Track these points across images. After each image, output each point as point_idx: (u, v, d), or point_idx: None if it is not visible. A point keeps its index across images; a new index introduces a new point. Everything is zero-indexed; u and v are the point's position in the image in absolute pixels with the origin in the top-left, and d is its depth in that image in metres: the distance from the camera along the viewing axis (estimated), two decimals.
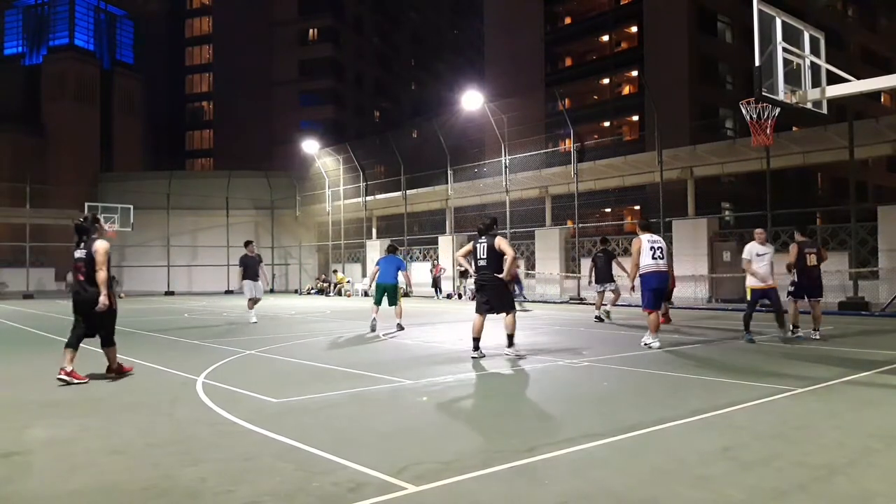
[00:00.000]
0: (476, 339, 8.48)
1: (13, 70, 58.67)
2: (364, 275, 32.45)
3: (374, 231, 33.64)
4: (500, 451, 4.21)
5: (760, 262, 9.88)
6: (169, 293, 32.44)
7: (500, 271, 8.27)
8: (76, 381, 6.82)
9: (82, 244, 7.20)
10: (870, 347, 9.37)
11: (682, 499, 3.39)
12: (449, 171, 28.38)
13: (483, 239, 8.46)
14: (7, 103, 54.53)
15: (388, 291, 12.61)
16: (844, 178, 27.75)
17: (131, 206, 30.06)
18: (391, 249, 13.47)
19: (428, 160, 31.00)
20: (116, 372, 7.25)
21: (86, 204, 29.49)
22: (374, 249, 32.64)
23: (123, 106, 60.68)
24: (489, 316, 8.56)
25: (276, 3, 62.54)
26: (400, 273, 12.73)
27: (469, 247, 8.76)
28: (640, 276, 9.29)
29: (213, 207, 35.58)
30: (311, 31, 63.09)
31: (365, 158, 33.03)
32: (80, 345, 7.05)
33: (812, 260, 10.31)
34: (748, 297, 10.09)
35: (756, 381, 6.64)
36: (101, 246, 7.13)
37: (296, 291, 34.67)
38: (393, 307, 12.59)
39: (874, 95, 41.32)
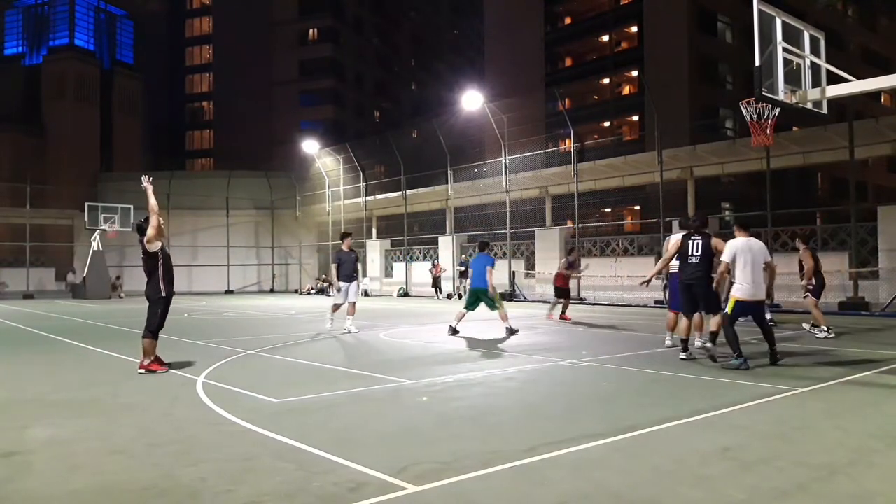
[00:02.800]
0: (685, 341, 8.20)
1: (13, 70, 58.62)
2: (364, 274, 32.49)
3: (374, 231, 33.64)
4: (500, 451, 4.21)
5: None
6: None
7: (711, 271, 7.97)
8: (155, 369, 7.49)
9: (141, 243, 7.76)
10: (870, 347, 9.37)
11: (682, 499, 3.39)
12: (449, 171, 28.38)
13: (697, 236, 8.02)
14: (7, 103, 54.47)
15: (482, 297, 11.22)
16: (844, 178, 27.78)
17: (131, 206, 29.99)
18: (482, 247, 12.01)
19: (428, 160, 30.99)
20: (145, 365, 7.58)
21: (86, 204, 29.47)
22: (374, 249, 32.66)
23: (123, 106, 60.63)
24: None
25: (276, 3, 62.50)
26: (487, 269, 11.25)
27: (678, 241, 8.24)
28: (670, 275, 9.07)
29: (213, 207, 35.59)
30: (311, 31, 63.06)
31: (365, 158, 33.04)
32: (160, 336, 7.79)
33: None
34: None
35: (756, 381, 6.64)
36: (148, 232, 7.67)
37: (296, 291, 34.69)
38: (496, 312, 11.37)
39: (874, 95, 41.30)
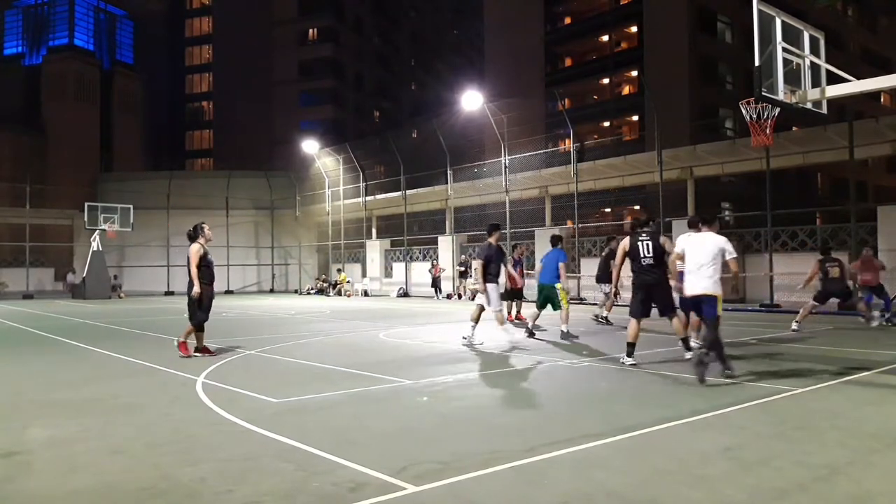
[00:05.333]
0: (631, 345, 7.72)
1: (13, 70, 58.61)
2: (364, 275, 32.49)
3: (374, 231, 33.64)
4: (500, 451, 4.21)
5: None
6: (169, 293, 32.43)
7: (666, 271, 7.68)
8: (182, 352, 8.75)
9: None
10: (870, 347, 9.37)
11: (682, 499, 3.39)
12: (449, 171, 28.37)
13: (645, 236, 7.75)
14: (7, 103, 54.46)
15: (548, 294, 10.53)
16: (844, 178, 27.79)
17: (131, 206, 30.03)
18: (554, 241, 11.08)
19: (428, 160, 30.99)
20: (202, 352, 8.92)
21: (85, 204, 29.46)
22: (374, 249, 32.65)
23: (123, 106, 60.61)
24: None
25: (276, 3, 62.50)
26: (560, 265, 10.49)
27: (626, 244, 7.91)
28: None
29: (213, 207, 35.55)
30: (311, 31, 63.05)
31: (365, 158, 33.03)
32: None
33: (834, 272, 11.67)
34: (720, 311, 7.00)
35: (756, 381, 6.64)
36: (190, 249, 8.79)
37: (296, 291, 34.69)
38: (557, 312, 10.61)
39: (874, 95, 41.33)
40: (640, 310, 7.77)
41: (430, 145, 31.08)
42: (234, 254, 35.87)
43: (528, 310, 13.74)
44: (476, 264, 10.26)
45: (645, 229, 7.90)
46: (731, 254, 6.92)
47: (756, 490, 3.47)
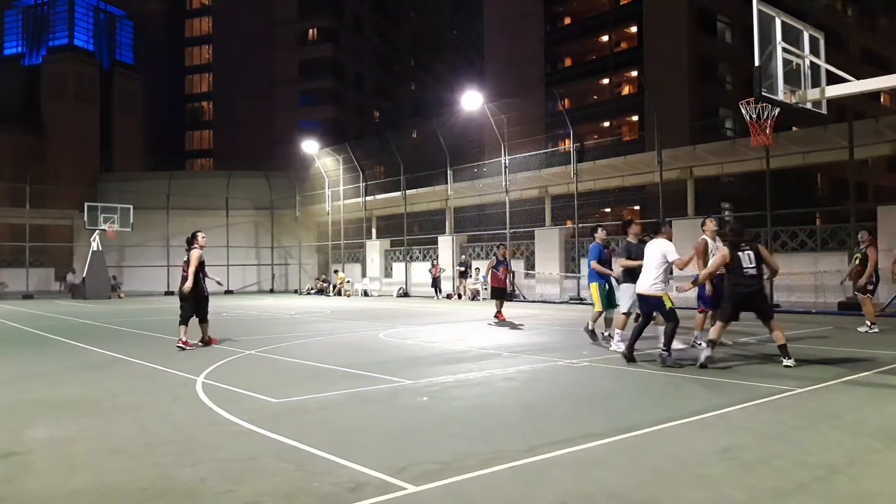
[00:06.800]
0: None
1: (13, 70, 58.56)
2: (364, 275, 32.50)
3: (373, 231, 33.64)
4: (500, 451, 4.21)
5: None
6: (169, 293, 32.40)
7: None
8: (188, 347, 9.66)
9: (186, 252, 10.07)
10: (870, 347, 9.37)
11: (682, 499, 3.39)
12: (448, 171, 28.37)
13: (746, 246, 7.75)
14: (7, 103, 54.42)
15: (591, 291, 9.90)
16: (844, 178, 27.79)
17: (131, 206, 30.02)
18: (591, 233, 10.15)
19: (428, 160, 30.98)
20: (205, 343, 10.06)
21: (85, 204, 29.46)
22: (374, 249, 32.64)
23: (123, 106, 60.53)
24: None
25: (276, 3, 62.51)
26: (592, 263, 9.86)
27: (727, 254, 7.77)
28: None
29: (213, 207, 35.56)
30: (311, 31, 63.05)
31: (365, 158, 33.02)
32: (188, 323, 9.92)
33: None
34: (670, 308, 7.83)
35: (756, 381, 6.64)
36: (192, 254, 9.92)
37: (296, 291, 34.69)
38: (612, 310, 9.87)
39: (874, 95, 41.31)
40: (731, 316, 7.85)
41: (429, 145, 31.07)
42: (234, 254, 35.85)
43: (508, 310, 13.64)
44: (622, 262, 9.19)
45: (746, 238, 7.97)
46: (672, 255, 7.85)
47: (756, 490, 3.47)
